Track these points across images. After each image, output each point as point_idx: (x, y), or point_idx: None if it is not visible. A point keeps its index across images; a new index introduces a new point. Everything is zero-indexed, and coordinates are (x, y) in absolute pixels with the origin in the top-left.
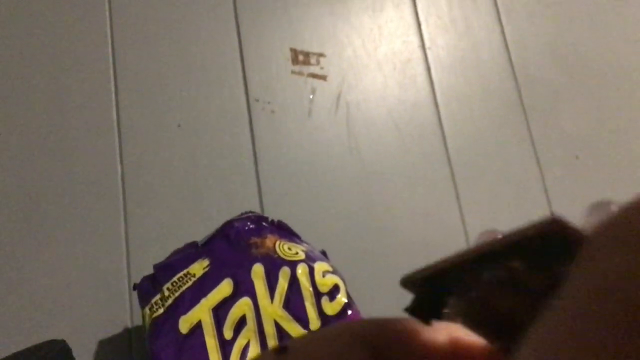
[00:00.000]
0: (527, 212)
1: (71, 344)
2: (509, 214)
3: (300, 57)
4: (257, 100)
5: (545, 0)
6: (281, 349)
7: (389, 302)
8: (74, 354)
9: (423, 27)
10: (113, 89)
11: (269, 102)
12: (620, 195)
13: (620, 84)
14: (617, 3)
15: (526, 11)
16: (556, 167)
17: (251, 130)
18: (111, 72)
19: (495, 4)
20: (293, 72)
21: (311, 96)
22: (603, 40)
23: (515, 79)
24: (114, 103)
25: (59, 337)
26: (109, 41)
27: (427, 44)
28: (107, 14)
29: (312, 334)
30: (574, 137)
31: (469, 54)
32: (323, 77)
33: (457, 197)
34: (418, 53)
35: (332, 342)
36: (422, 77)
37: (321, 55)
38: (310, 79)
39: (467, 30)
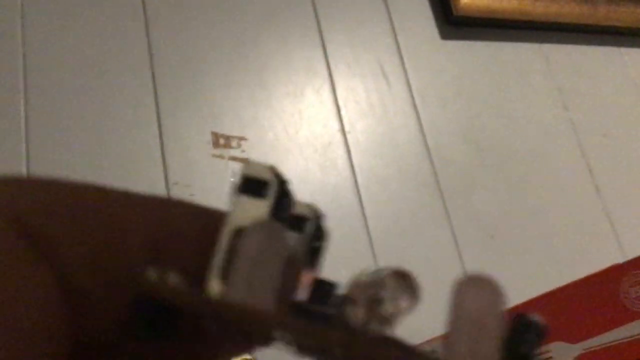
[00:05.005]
0: (448, 291)
1: None
2: (430, 294)
3: (221, 141)
4: (176, 184)
5: (457, 88)
6: None
7: None
8: None
9: (342, 112)
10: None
11: (188, 186)
12: (534, 272)
13: (529, 165)
14: (522, 92)
15: (439, 99)
16: (473, 246)
17: None
18: (24, 159)
19: (410, 92)
20: (214, 155)
21: (232, 179)
22: (511, 126)
23: (431, 161)
24: None
25: None
26: (23, 130)
27: (347, 128)
28: (22, 99)
29: None
30: (488, 218)
31: (386, 138)
32: (244, 160)
33: None
34: (338, 137)
35: None
36: (342, 160)
37: (242, 138)
38: (232, 162)
39: (384, 116)
